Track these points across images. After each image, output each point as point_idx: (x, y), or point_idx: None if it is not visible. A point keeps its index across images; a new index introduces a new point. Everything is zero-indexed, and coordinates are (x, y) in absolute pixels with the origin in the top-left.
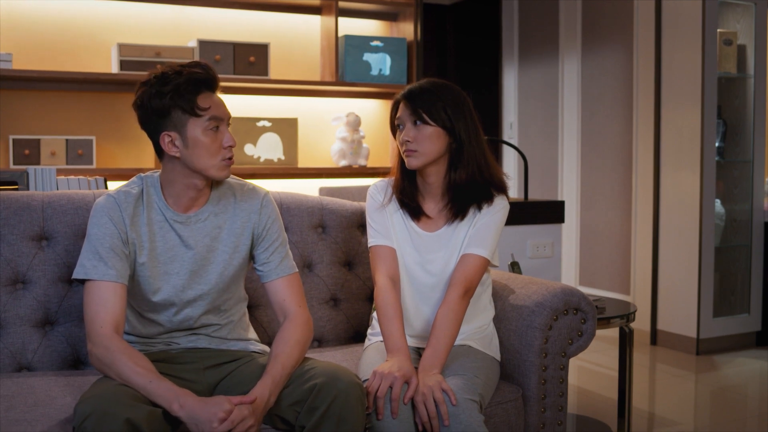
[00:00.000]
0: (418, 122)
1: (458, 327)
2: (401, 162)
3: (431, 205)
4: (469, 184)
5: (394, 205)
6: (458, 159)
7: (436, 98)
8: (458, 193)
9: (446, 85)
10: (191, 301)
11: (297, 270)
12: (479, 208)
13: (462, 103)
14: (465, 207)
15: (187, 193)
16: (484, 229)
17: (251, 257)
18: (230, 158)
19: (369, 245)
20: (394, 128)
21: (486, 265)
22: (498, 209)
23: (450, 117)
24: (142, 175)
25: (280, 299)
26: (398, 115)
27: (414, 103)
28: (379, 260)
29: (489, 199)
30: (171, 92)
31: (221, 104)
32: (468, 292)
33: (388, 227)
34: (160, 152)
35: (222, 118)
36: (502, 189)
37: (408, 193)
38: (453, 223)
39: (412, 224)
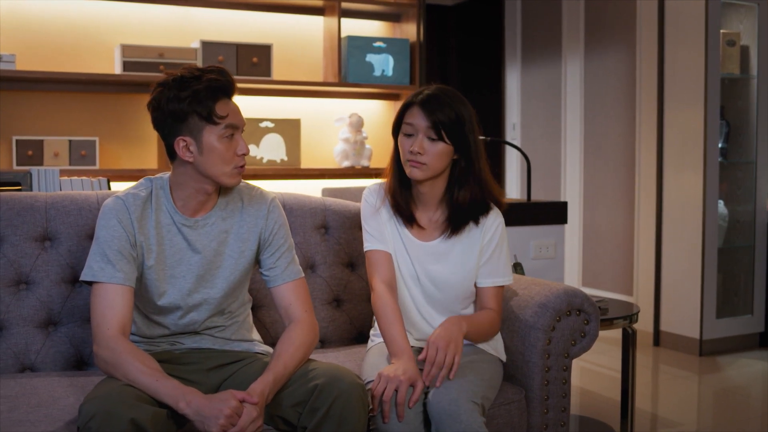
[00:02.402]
0: (434, 137)
1: (489, 334)
2: (397, 166)
3: (423, 215)
4: (470, 204)
5: (388, 211)
6: (464, 178)
7: (457, 115)
8: (458, 211)
9: (461, 99)
10: (197, 305)
11: (303, 275)
12: (476, 223)
13: (473, 120)
14: (462, 225)
15: (196, 198)
16: (498, 257)
17: (257, 262)
18: (242, 166)
19: (365, 250)
20: (397, 130)
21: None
22: (498, 230)
23: (465, 136)
24: (151, 177)
25: (286, 304)
26: (411, 121)
27: (433, 116)
28: (375, 265)
29: (485, 213)
30: (189, 98)
31: (237, 111)
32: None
33: (383, 231)
34: (172, 154)
35: (238, 126)
36: (498, 204)
37: (402, 200)
38: (450, 236)
39: (405, 231)
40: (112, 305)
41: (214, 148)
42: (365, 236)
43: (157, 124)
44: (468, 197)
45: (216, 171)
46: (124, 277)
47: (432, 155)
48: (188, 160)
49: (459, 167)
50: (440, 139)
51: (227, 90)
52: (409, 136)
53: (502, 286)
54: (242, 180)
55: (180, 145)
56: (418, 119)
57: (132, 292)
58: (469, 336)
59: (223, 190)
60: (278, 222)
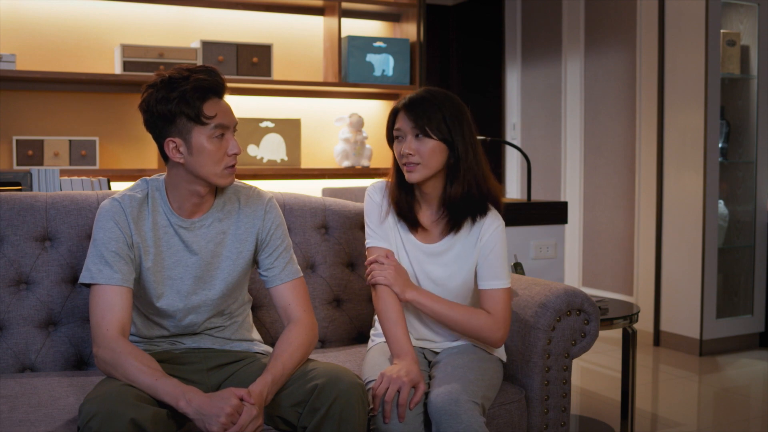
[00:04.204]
0: (420, 135)
1: (472, 332)
2: (397, 173)
3: (427, 215)
4: (464, 199)
5: (392, 217)
6: (455, 174)
7: (437, 110)
8: (453, 208)
9: (446, 96)
10: (195, 307)
11: (302, 274)
12: (473, 222)
13: (461, 115)
14: (460, 221)
15: (190, 199)
16: (494, 259)
17: (255, 262)
18: (233, 166)
19: (367, 245)
20: (392, 138)
21: (510, 292)
22: (497, 232)
23: (449, 130)
24: (147, 178)
25: (285, 304)
26: (398, 126)
27: (415, 115)
28: None
29: (483, 213)
30: (177, 98)
31: (228, 111)
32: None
33: (386, 230)
34: (165, 156)
35: (228, 126)
36: (497, 204)
37: (405, 205)
38: (449, 236)
39: (410, 236)
40: (110, 306)
41: (203, 149)
42: (367, 232)
43: (148, 126)
44: (459, 192)
45: (206, 171)
46: (122, 278)
47: (422, 154)
48: (178, 161)
49: (449, 163)
50: (426, 135)
51: (216, 90)
52: (400, 141)
53: (501, 290)
54: (241, 180)
55: (170, 146)
56: (403, 122)
57: (130, 292)
58: (443, 321)
59: (219, 190)
60: (275, 222)
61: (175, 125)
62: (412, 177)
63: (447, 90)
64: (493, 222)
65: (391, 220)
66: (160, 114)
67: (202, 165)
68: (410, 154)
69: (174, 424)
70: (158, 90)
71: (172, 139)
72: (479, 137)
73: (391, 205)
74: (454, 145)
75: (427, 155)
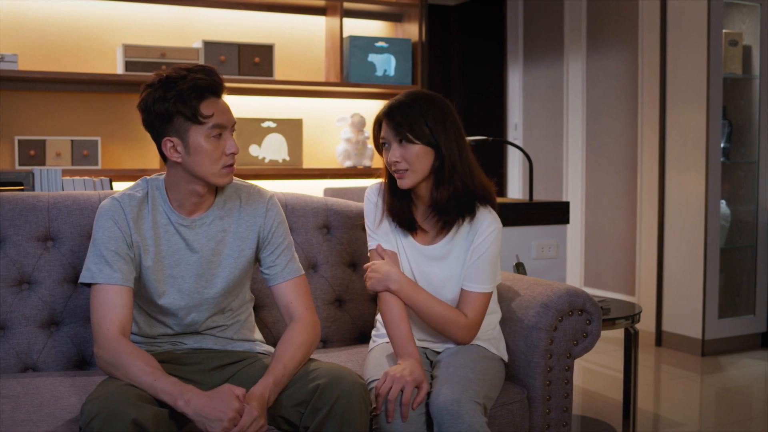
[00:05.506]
0: (404, 141)
1: (442, 328)
2: (390, 179)
3: (423, 216)
4: (451, 200)
5: (390, 222)
6: (440, 176)
7: (417, 113)
8: (442, 209)
9: (427, 97)
10: (197, 305)
11: (303, 272)
12: (463, 220)
13: (444, 116)
14: (451, 221)
15: (190, 198)
16: (482, 263)
17: (257, 260)
18: (231, 165)
19: (369, 247)
20: (379, 147)
21: (490, 296)
22: (491, 237)
23: (432, 132)
24: (148, 178)
25: (287, 302)
26: (382, 134)
27: (396, 122)
28: None
29: (472, 211)
30: (174, 98)
31: (226, 110)
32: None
33: (385, 231)
34: (163, 155)
35: (225, 126)
36: (488, 199)
37: (399, 210)
38: (445, 239)
39: (408, 238)
40: (111, 306)
41: (201, 148)
42: (368, 234)
43: (146, 125)
44: (445, 195)
45: (204, 171)
46: (122, 278)
47: (409, 159)
48: (176, 160)
49: (434, 166)
50: (409, 141)
51: (213, 89)
52: (387, 148)
53: (482, 294)
54: (241, 179)
55: (167, 145)
56: (386, 131)
57: (131, 292)
58: (420, 312)
59: (219, 189)
60: (277, 220)
61: (173, 125)
62: (403, 183)
63: (433, 92)
64: (490, 225)
65: (391, 230)
66: (157, 113)
67: (199, 164)
68: (397, 162)
69: (175, 424)
70: (156, 89)
71: (170, 138)
72: (481, 138)
73: (385, 211)
74: (438, 148)
75: (414, 160)
